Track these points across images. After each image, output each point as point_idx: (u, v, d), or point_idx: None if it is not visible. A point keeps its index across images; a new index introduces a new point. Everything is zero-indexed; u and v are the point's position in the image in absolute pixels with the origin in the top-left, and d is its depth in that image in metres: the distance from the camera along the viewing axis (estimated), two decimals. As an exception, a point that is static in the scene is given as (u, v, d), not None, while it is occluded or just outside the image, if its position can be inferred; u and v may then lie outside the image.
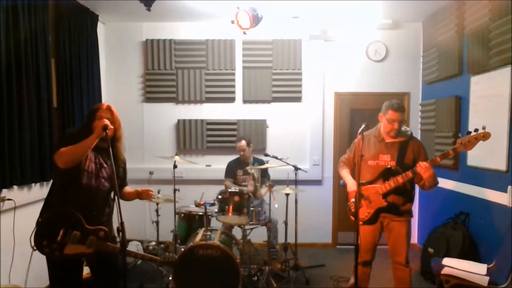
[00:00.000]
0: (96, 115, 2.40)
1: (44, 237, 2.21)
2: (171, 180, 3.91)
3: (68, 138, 2.33)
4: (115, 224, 2.20)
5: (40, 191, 3.49)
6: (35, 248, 2.23)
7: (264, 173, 4.51)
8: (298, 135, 5.14)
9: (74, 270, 2.39)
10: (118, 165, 2.50)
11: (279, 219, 4.35)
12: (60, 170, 2.28)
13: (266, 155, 4.14)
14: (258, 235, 4.27)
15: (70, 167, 2.25)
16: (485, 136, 2.61)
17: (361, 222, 3.00)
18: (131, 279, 3.81)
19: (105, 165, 2.44)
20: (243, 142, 4.37)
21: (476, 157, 3.67)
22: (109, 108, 2.46)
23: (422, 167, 2.73)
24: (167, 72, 5.10)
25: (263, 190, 4.08)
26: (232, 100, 5.14)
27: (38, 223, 2.29)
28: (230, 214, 3.48)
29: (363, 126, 2.70)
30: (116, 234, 2.12)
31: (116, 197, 2.30)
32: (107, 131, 2.30)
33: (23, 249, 3.14)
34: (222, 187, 4.17)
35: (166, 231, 4.17)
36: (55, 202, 2.33)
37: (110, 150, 2.24)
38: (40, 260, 2.36)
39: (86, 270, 2.51)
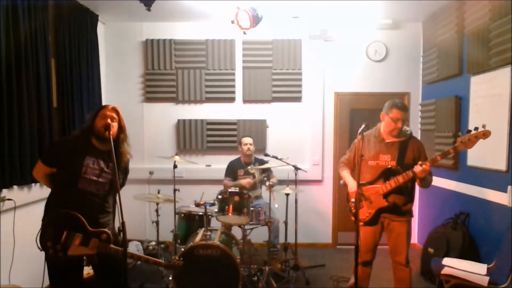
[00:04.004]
0: (100, 114, 2.38)
1: (49, 238, 2.22)
2: (171, 180, 3.90)
3: (54, 151, 2.43)
4: (117, 225, 2.21)
5: (40, 191, 3.48)
6: (41, 248, 2.24)
7: (266, 173, 4.51)
8: (298, 135, 5.14)
9: (74, 270, 2.39)
10: (120, 167, 2.45)
11: (279, 219, 4.35)
12: (55, 174, 2.33)
13: (266, 155, 4.14)
14: (258, 235, 4.27)
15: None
16: (485, 134, 2.60)
17: (362, 223, 3.00)
18: (131, 279, 3.81)
19: (106, 169, 2.40)
20: (249, 138, 4.42)
21: (476, 157, 3.67)
22: (114, 109, 2.43)
23: (420, 169, 2.74)
24: (167, 72, 5.10)
25: (259, 190, 4.09)
26: (232, 100, 5.14)
27: (42, 224, 2.30)
28: (230, 214, 3.48)
29: (363, 126, 2.70)
30: (118, 233, 2.14)
31: (118, 199, 2.32)
32: (109, 131, 2.29)
33: (23, 249, 3.15)
34: (222, 187, 4.17)
35: (166, 231, 4.17)
36: (55, 205, 2.34)
37: (113, 152, 2.21)
38: (39, 260, 2.36)
39: (86, 270, 2.52)
